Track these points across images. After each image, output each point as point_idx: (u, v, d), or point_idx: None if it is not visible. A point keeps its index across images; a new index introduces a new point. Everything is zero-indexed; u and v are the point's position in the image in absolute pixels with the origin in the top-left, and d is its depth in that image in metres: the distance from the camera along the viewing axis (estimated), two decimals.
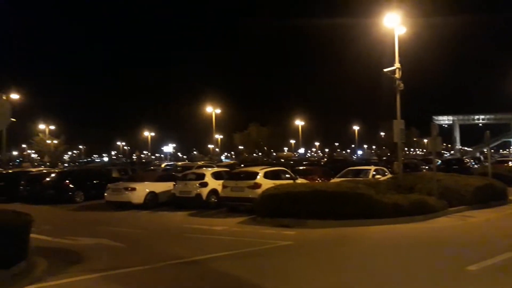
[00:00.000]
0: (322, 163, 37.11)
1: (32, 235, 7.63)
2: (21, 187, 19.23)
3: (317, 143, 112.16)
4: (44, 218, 12.01)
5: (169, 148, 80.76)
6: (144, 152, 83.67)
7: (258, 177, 14.35)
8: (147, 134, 72.38)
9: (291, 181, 14.56)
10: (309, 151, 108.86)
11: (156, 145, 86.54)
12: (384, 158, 48.93)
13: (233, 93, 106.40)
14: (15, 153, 77.20)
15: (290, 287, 6.08)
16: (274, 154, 72.24)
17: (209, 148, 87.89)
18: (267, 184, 13.58)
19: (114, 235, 10.24)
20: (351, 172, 18.40)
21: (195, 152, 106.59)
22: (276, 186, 12.61)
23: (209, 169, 19.26)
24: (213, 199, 15.48)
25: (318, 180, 18.08)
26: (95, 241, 9.63)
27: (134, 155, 79.24)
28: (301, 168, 22.50)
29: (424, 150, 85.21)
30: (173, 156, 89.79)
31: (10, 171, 26.06)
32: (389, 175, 17.87)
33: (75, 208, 16.80)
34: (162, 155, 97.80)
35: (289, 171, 16.30)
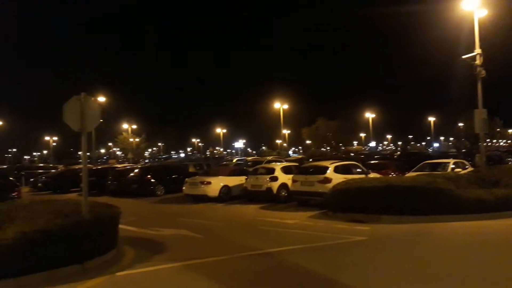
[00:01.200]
0: (395, 156, 35.58)
1: (120, 226, 8.38)
2: (109, 182, 21.08)
3: (389, 136, 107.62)
4: (129, 210, 12.94)
5: (239, 143, 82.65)
6: (217, 148, 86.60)
7: (328, 171, 14.26)
8: (219, 130, 74.78)
9: (363, 176, 14.29)
10: (380, 145, 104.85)
11: (227, 141, 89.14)
12: (464, 150, 45.61)
13: (301, 87, 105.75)
14: (102, 150, 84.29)
15: (367, 283, 6.03)
16: (343, 148, 70.74)
17: (277, 143, 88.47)
18: (337, 178, 13.45)
19: (193, 227, 10.87)
20: (428, 165, 17.52)
21: (263, 147, 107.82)
22: (348, 181, 12.44)
23: (279, 163, 19.51)
24: (283, 193, 15.71)
25: (392, 175, 17.51)
26: (176, 232, 10.29)
27: (207, 151, 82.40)
28: (372, 162, 21.90)
29: (509, 141, 77.75)
30: (243, 151, 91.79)
31: (99, 167, 28.60)
32: (470, 169, 16.73)
33: (156, 201, 18.02)
34: (233, 151, 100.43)
35: (360, 165, 15.98)
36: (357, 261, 7.20)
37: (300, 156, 47.25)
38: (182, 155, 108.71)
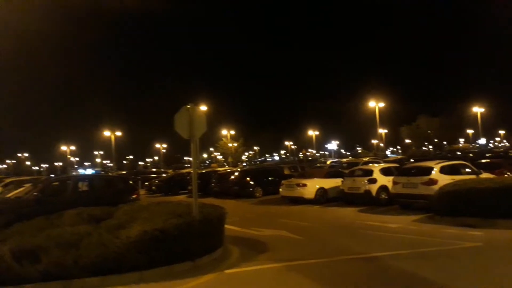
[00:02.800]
0: (510, 154, 31.74)
1: (225, 226, 8.88)
2: (213, 184, 22.48)
3: (501, 132, 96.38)
4: (231, 210, 13.40)
5: (332, 145, 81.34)
6: (309, 150, 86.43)
7: (433, 172, 13.37)
8: (312, 133, 74.50)
9: (473, 176, 13.14)
10: (491, 142, 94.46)
11: (320, 143, 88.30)
12: None
13: (399, 83, 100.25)
14: (204, 155, 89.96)
15: None
16: (448, 146, 65.28)
17: (372, 143, 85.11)
18: (444, 180, 12.55)
19: (292, 228, 11.06)
20: None
21: (358, 148, 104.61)
22: (456, 182, 11.53)
23: (376, 165, 18.83)
24: (383, 196, 15.16)
25: (508, 175, 15.75)
26: (276, 232, 10.57)
27: (300, 153, 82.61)
28: (483, 161, 19.90)
29: None
30: (337, 153, 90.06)
31: (203, 171, 30.60)
32: None
33: (255, 202, 18.70)
34: (326, 152, 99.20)
35: (470, 165, 14.68)
36: (471, 269, 6.68)
37: (399, 157, 44.83)
38: (276, 158, 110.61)
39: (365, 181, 15.57)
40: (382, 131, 57.68)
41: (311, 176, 18.21)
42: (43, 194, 11.84)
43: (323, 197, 16.82)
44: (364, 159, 33.11)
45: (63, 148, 67.17)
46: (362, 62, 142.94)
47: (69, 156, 66.97)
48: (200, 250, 7.60)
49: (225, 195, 20.80)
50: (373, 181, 15.44)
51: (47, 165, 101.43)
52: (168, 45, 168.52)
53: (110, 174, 34.84)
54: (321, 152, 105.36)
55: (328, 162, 38.92)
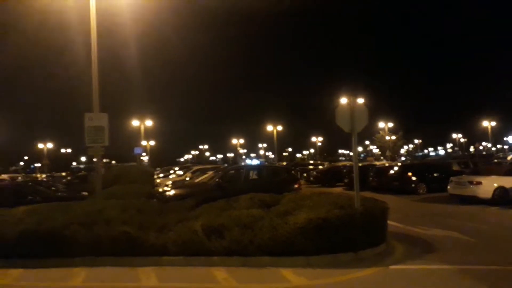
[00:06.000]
0: None
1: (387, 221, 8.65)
2: (370, 178, 21.98)
3: None
4: (392, 206, 12.85)
5: None
6: (483, 143, 75.64)
7: None
8: (487, 123, 64.97)
9: None
10: None
11: (497, 135, 76.33)
12: None
13: None
14: (360, 149, 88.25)
15: None
16: None
17: None
18: None
19: (464, 229, 10.11)
20: None
21: None
22: None
23: None
24: None
25: None
26: (444, 233, 9.81)
27: (471, 147, 73.01)
28: None
29: None
30: None
31: (360, 164, 30.18)
32: None
33: (418, 199, 17.53)
34: (505, 146, 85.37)
35: None
36: None
37: None
38: (441, 152, 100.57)
39: None
40: None
41: (487, 173, 16.15)
42: (223, 181, 13.62)
43: (503, 198, 14.72)
44: None
45: (234, 141, 74.84)
46: None
47: (238, 148, 74.10)
48: (363, 243, 7.66)
49: (384, 190, 20.04)
50: None
51: (221, 156, 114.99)
52: (333, 40, 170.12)
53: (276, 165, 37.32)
54: (499, 146, 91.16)
55: (509, 158, 33.89)
